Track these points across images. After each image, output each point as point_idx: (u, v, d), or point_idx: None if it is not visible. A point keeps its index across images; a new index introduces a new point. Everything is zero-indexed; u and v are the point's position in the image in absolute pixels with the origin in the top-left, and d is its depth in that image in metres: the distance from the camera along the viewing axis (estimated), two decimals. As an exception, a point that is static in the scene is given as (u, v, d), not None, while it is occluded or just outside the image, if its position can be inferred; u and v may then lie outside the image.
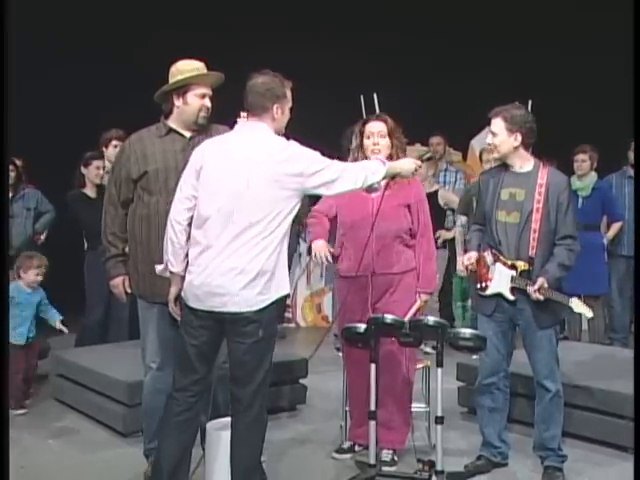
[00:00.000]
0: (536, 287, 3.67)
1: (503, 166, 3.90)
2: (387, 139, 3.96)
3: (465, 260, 3.95)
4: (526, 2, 8.17)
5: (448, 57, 8.39)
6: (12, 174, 6.46)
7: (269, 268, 3.10)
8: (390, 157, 3.95)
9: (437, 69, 8.39)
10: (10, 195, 6.48)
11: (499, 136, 3.78)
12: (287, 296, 8.13)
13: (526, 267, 3.74)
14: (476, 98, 7.54)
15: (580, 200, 6.27)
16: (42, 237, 6.70)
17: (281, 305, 7.49)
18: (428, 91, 8.18)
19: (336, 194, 3.35)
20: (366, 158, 3.91)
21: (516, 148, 3.78)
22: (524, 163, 3.83)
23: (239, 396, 3.18)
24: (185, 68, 3.66)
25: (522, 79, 7.67)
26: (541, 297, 3.68)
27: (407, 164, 3.61)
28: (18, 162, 6.75)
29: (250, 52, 7.83)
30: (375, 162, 3.44)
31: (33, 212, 6.61)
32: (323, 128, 7.73)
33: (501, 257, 3.80)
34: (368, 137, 3.98)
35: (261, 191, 3.11)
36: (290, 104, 3.33)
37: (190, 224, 3.20)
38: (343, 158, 4.05)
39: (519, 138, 3.77)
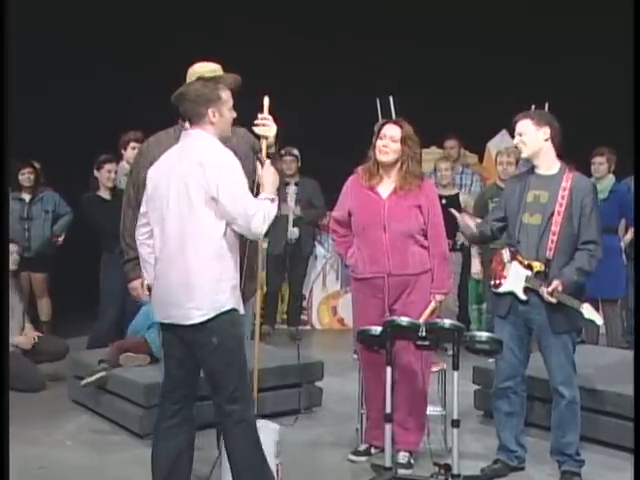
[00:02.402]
0: (550, 289, 3.65)
1: (530, 170, 3.91)
2: (398, 144, 3.95)
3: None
4: (542, 6, 8.14)
5: (464, 60, 8.38)
6: (31, 177, 6.56)
7: (206, 281, 3.12)
8: (401, 163, 3.95)
9: (453, 72, 8.38)
10: (29, 197, 6.57)
11: (527, 133, 3.78)
12: (303, 298, 8.18)
13: (542, 268, 3.73)
14: (492, 101, 7.56)
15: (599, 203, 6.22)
16: (60, 239, 6.76)
17: (298, 307, 7.56)
18: (444, 94, 8.17)
19: (242, 229, 3.15)
20: (376, 159, 3.96)
21: (546, 141, 3.78)
22: (551, 165, 3.82)
23: (217, 404, 3.23)
24: (201, 70, 3.68)
25: (538, 82, 7.64)
26: (553, 300, 3.66)
27: (269, 174, 3.34)
28: (37, 165, 6.82)
29: (266, 57, 7.91)
30: (262, 201, 3.20)
31: (51, 214, 6.67)
32: (341, 130, 7.77)
33: (519, 256, 3.80)
34: (381, 138, 3.99)
35: (190, 202, 3.12)
36: (229, 104, 3.29)
37: (149, 238, 3.31)
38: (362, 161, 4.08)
39: (547, 132, 3.77)
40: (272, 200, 3.23)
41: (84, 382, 4.75)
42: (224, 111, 3.26)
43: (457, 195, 6.55)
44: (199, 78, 3.49)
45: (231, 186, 3.09)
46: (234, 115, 3.34)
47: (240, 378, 3.21)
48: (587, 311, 3.68)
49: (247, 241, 3.58)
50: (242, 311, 3.27)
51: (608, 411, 4.26)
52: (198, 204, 3.11)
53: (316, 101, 8.21)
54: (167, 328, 3.26)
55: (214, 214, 3.12)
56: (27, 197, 6.57)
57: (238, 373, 3.20)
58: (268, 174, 3.33)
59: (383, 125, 4.05)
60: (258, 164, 3.53)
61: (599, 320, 3.76)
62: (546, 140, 3.79)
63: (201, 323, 3.12)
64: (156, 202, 3.23)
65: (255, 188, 3.63)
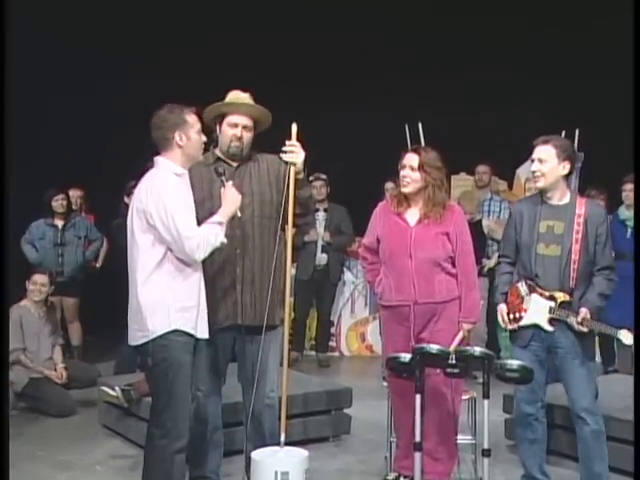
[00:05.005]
0: (579, 319, 3.63)
1: (538, 197, 3.86)
2: (417, 173, 3.92)
3: (500, 321, 3.92)
4: (572, 33, 8.14)
5: (493, 86, 8.38)
6: (64, 203, 6.72)
7: (143, 304, 3.23)
8: (425, 190, 3.93)
9: (482, 97, 8.39)
10: (62, 224, 6.69)
11: (548, 163, 3.73)
12: (331, 325, 8.15)
13: (566, 298, 3.70)
14: (522, 127, 7.52)
15: (629, 230, 6.18)
16: (97, 265, 6.92)
17: (326, 333, 7.53)
18: (474, 119, 8.17)
19: (179, 254, 3.24)
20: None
21: (563, 177, 3.75)
22: (563, 195, 3.80)
23: None
24: (228, 98, 3.73)
25: (569, 107, 7.62)
26: (584, 329, 3.64)
27: (228, 197, 3.42)
28: (73, 192, 7.04)
29: (294, 83, 7.97)
30: (212, 226, 3.31)
31: (84, 240, 6.80)
32: (374, 156, 7.81)
33: (537, 288, 3.77)
34: (402, 168, 3.98)
35: (132, 227, 3.29)
36: (196, 127, 3.37)
37: None
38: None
39: (567, 167, 3.74)
40: (219, 223, 3.30)
41: (103, 389, 4.87)
42: (191, 134, 3.34)
43: (479, 221, 6.59)
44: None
45: (165, 211, 3.18)
46: (204, 139, 3.42)
47: (166, 405, 3.25)
48: (625, 336, 3.63)
49: (274, 266, 3.61)
50: (198, 334, 3.32)
51: (631, 440, 4.17)
52: (137, 229, 3.27)
53: (346, 128, 8.26)
54: None
55: (153, 239, 3.23)
56: (60, 223, 6.70)
57: (164, 399, 3.25)
58: (226, 197, 3.41)
59: (404, 154, 4.04)
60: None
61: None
62: (563, 177, 3.76)
63: (143, 344, 3.25)
64: None
65: (278, 215, 3.68)
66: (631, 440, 4.13)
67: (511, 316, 3.86)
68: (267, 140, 3.80)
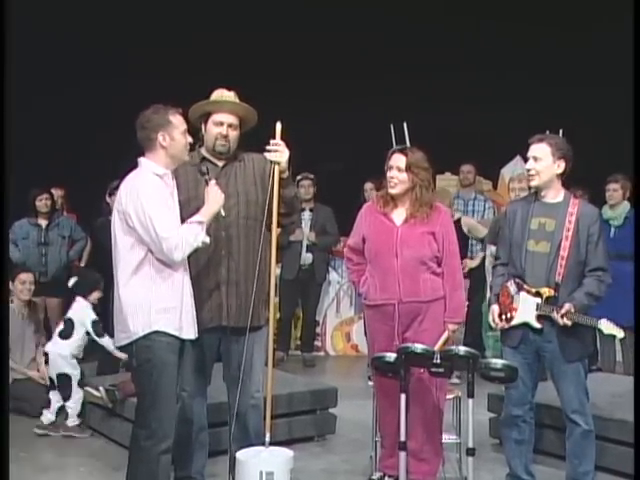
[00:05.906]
0: (562, 312, 3.62)
1: (532, 196, 3.88)
2: (404, 174, 3.93)
3: (491, 322, 3.94)
4: (558, 36, 8.19)
5: (478, 86, 8.42)
6: (48, 203, 6.67)
7: (125, 306, 3.25)
8: (412, 190, 3.94)
9: (467, 97, 8.43)
10: (45, 223, 6.65)
11: (543, 161, 3.73)
12: (316, 324, 8.14)
13: (551, 293, 3.71)
14: (507, 127, 7.58)
15: (612, 229, 6.22)
16: (81, 265, 6.87)
17: (311, 333, 7.54)
18: (460, 120, 8.20)
19: (158, 255, 3.24)
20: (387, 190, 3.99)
21: (557, 176, 3.76)
22: (557, 193, 3.81)
23: None
24: (212, 97, 3.72)
25: (553, 108, 7.66)
26: (568, 322, 3.63)
27: (214, 196, 3.42)
28: (55, 192, 6.98)
29: (279, 83, 7.97)
30: (192, 226, 3.30)
31: (67, 240, 6.76)
32: (359, 157, 7.82)
33: (525, 286, 3.78)
34: (389, 169, 3.99)
35: (114, 229, 3.31)
36: (181, 128, 3.36)
37: None
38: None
39: (562, 165, 3.75)
40: (200, 223, 3.29)
41: (87, 390, 4.87)
42: (175, 135, 3.34)
43: (459, 220, 6.58)
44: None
45: (143, 212, 3.19)
46: (189, 139, 3.41)
47: (151, 406, 3.26)
48: (605, 326, 3.64)
49: (258, 266, 3.61)
50: (183, 335, 3.32)
51: (625, 441, 4.18)
52: (118, 230, 3.28)
53: (332, 128, 8.26)
54: None
55: (133, 240, 3.24)
56: (44, 223, 6.65)
57: (149, 400, 3.26)
58: (209, 196, 3.40)
59: (391, 155, 4.04)
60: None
61: (619, 333, 3.69)
62: (557, 175, 3.77)
63: (126, 345, 3.27)
64: None
65: (263, 215, 3.67)
66: (615, 439, 4.19)
67: (503, 316, 3.87)
68: (266, 141, 3.77)
